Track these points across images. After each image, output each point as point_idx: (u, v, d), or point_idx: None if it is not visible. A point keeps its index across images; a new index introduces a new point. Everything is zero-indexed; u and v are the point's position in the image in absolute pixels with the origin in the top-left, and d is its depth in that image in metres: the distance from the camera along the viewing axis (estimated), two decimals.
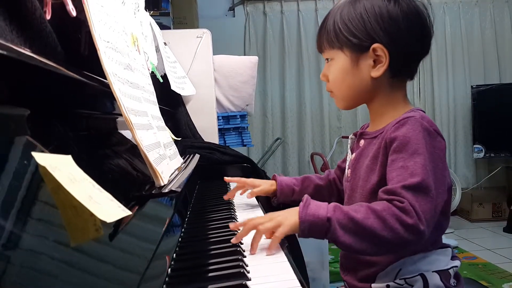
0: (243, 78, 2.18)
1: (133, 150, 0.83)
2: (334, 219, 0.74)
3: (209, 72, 2.02)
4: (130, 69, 0.77)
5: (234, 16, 3.96)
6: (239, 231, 0.79)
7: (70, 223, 0.39)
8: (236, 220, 0.96)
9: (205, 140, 1.87)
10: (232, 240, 0.76)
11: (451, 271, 0.85)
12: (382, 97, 0.90)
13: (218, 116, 2.08)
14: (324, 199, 0.81)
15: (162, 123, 1.02)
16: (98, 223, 0.40)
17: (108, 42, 0.66)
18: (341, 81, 0.90)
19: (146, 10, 1.24)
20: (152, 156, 0.73)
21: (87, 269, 0.42)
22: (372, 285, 0.86)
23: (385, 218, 0.72)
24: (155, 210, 0.72)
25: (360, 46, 0.85)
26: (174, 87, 1.58)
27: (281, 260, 0.72)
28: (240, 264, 0.65)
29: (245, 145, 2.30)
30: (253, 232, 0.77)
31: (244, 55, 3.72)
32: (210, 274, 0.64)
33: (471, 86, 3.80)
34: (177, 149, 1.12)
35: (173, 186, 0.76)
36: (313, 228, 0.75)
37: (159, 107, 1.02)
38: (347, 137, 1.02)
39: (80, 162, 0.44)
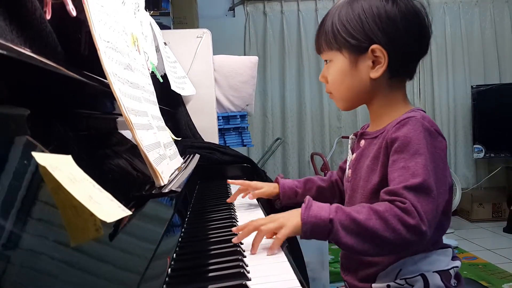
0: (243, 78, 2.18)
1: (133, 150, 0.83)
2: (336, 220, 0.74)
3: (209, 72, 2.02)
4: (130, 69, 0.77)
5: (234, 16, 3.96)
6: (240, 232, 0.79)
7: (70, 223, 0.39)
8: (236, 220, 0.96)
9: (205, 140, 1.87)
10: (233, 240, 0.76)
11: (451, 271, 0.85)
12: (381, 97, 0.90)
13: (218, 116, 2.08)
14: (327, 201, 0.81)
15: (162, 123, 1.02)
16: (98, 223, 0.40)
17: (108, 42, 0.66)
18: (340, 83, 0.90)
19: (146, 10, 1.24)
20: (152, 156, 0.73)
21: (87, 269, 0.42)
22: (373, 285, 0.86)
23: (387, 219, 0.72)
24: (155, 210, 0.72)
25: (359, 47, 0.85)
26: (174, 87, 1.58)
27: (281, 260, 0.72)
28: (240, 264, 0.65)
29: (245, 145, 2.30)
30: (253, 233, 0.77)
31: (244, 55, 3.72)
32: (210, 274, 0.64)
33: (471, 86, 3.79)
34: (177, 149, 1.12)
35: (173, 186, 0.76)
36: (315, 229, 0.75)
37: (159, 107, 1.02)
38: (347, 137, 1.02)
39: (80, 162, 0.44)
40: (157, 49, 1.46)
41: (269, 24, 3.90)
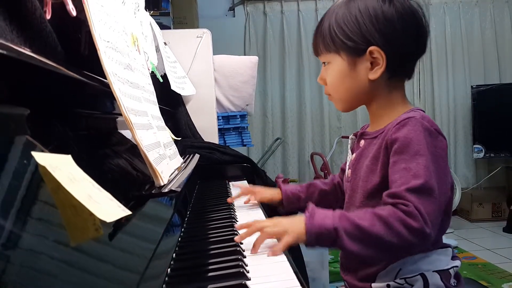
0: (243, 78, 2.18)
1: (133, 150, 0.83)
2: (341, 228, 0.73)
3: (209, 72, 2.02)
4: (130, 69, 0.77)
5: (234, 16, 3.95)
6: (242, 231, 0.79)
7: (70, 222, 0.39)
8: (236, 220, 0.96)
9: (205, 140, 1.87)
10: (235, 239, 0.76)
11: (451, 271, 0.85)
12: (380, 98, 0.90)
13: (218, 116, 2.08)
14: (330, 204, 0.82)
15: (162, 123, 1.02)
16: (97, 223, 0.40)
17: (108, 42, 0.66)
18: (339, 85, 0.90)
19: (146, 10, 1.24)
20: (152, 156, 0.73)
21: (86, 268, 0.42)
22: (373, 284, 0.86)
23: (391, 224, 0.73)
24: (155, 209, 0.72)
25: (357, 49, 0.85)
26: (174, 87, 1.58)
27: (281, 260, 0.72)
28: (240, 264, 0.65)
29: (245, 145, 2.30)
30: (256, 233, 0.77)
31: (244, 55, 3.72)
32: (210, 274, 0.64)
33: (471, 86, 3.79)
34: (177, 149, 1.12)
35: (173, 186, 0.76)
36: (319, 238, 0.75)
37: (159, 107, 1.02)
38: (347, 137, 1.02)
39: (80, 161, 0.44)
40: (157, 49, 1.46)
41: (269, 24, 3.90)
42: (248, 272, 0.64)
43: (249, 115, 2.34)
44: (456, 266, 0.86)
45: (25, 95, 0.49)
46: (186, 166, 1.09)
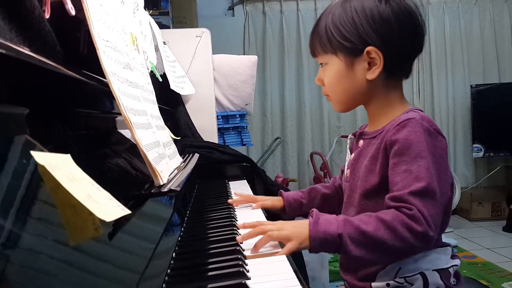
0: (242, 77, 2.18)
1: (132, 149, 0.83)
2: (345, 235, 0.74)
3: (209, 71, 2.02)
4: (129, 68, 0.77)
5: (233, 16, 3.95)
6: (245, 231, 0.79)
7: (69, 222, 0.39)
8: (236, 220, 0.96)
9: (204, 139, 1.86)
10: (237, 238, 0.76)
11: (451, 270, 0.85)
12: (378, 98, 0.90)
13: (217, 116, 2.08)
14: (333, 208, 0.82)
15: (161, 122, 1.02)
16: (97, 222, 0.40)
17: (107, 41, 0.66)
18: (337, 85, 0.90)
19: (145, 9, 1.24)
20: (151, 155, 0.73)
21: (86, 268, 0.42)
22: (372, 284, 0.86)
23: (395, 228, 0.73)
24: (155, 209, 0.72)
25: (354, 49, 0.85)
26: (173, 86, 1.58)
27: (281, 259, 0.72)
28: (240, 263, 0.65)
29: (244, 145, 2.29)
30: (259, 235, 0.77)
31: (244, 54, 3.71)
32: (210, 273, 0.64)
33: (471, 86, 3.79)
34: (176, 149, 1.12)
35: (173, 185, 0.76)
36: (324, 244, 0.75)
37: (159, 106, 1.02)
38: (347, 137, 1.02)
39: (79, 161, 0.44)
40: (156, 49, 1.46)
41: (268, 23, 3.90)
42: (248, 271, 0.64)
43: (249, 114, 2.34)
44: (456, 265, 0.86)
45: (24, 95, 0.48)
46: (185, 166, 1.08)
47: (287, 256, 0.72)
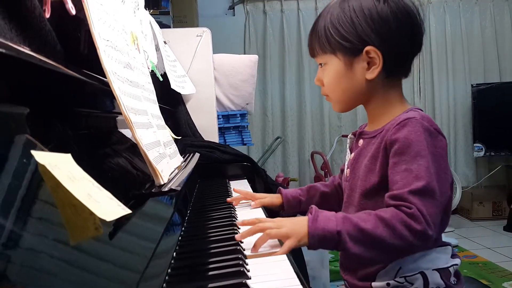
0: (243, 76, 2.18)
1: (133, 148, 0.83)
2: (344, 232, 0.74)
3: (209, 71, 2.02)
4: (129, 67, 0.77)
5: (234, 15, 3.95)
6: (244, 228, 0.79)
7: (70, 221, 0.39)
8: (236, 219, 0.96)
9: (205, 139, 1.87)
10: (236, 236, 0.76)
11: (451, 269, 0.85)
12: (378, 97, 0.90)
13: (218, 115, 2.08)
14: (332, 206, 0.82)
15: (162, 121, 1.02)
16: (97, 222, 0.40)
17: (107, 40, 0.66)
18: (336, 85, 0.90)
19: (145, 9, 1.24)
20: (152, 154, 0.73)
21: (86, 267, 0.42)
22: (372, 283, 0.86)
23: (394, 227, 0.73)
24: (155, 208, 0.72)
25: (353, 49, 0.85)
26: (174, 86, 1.58)
27: (281, 258, 0.72)
28: (240, 262, 0.65)
29: (245, 144, 2.30)
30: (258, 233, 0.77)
31: (244, 54, 3.71)
32: (210, 273, 0.64)
33: (471, 85, 3.79)
34: (177, 148, 1.12)
35: (173, 185, 0.76)
36: (322, 241, 0.75)
37: (159, 105, 1.02)
38: (347, 136, 1.02)
39: (80, 160, 0.44)
40: (157, 48, 1.46)
41: (269, 23, 3.90)
42: (248, 271, 0.64)
43: (249, 114, 2.34)
44: (456, 264, 0.86)
45: (24, 94, 0.48)
46: (186, 165, 1.08)
47: (287, 256, 0.72)
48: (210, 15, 3.70)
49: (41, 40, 0.55)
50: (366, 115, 0.95)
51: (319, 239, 0.75)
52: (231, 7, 3.94)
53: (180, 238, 0.80)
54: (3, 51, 0.40)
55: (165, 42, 1.65)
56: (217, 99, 2.11)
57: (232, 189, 1.32)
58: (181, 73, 1.83)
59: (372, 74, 0.85)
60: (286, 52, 3.87)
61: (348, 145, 0.99)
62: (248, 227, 0.79)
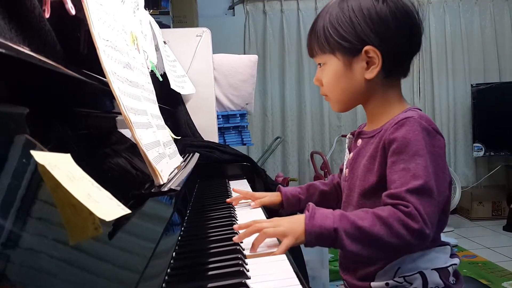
0: (242, 77, 2.18)
1: (133, 148, 0.83)
2: (341, 229, 0.74)
3: (209, 71, 2.02)
4: (129, 67, 0.77)
5: (234, 15, 3.95)
6: (241, 231, 0.79)
7: (69, 221, 0.39)
8: (236, 219, 0.96)
9: (204, 139, 1.87)
10: (234, 239, 0.76)
11: (450, 269, 0.85)
12: (377, 97, 0.90)
13: (217, 115, 2.08)
14: (331, 205, 0.82)
15: (161, 122, 1.02)
16: (97, 222, 0.40)
17: (107, 40, 0.66)
18: (335, 85, 0.90)
19: (145, 9, 1.24)
20: (151, 154, 0.73)
21: (86, 267, 0.42)
22: (372, 283, 0.86)
23: (391, 225, 0.73)
24: (155, 208, 0.72)
25: (352, 49, 0.85)
26: (173, 86, 1.58)
27: (281, 258, 0.72)
28: (240, 262, 0.65)
29: (245, 144, 2.30)
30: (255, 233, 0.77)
31: (244, 54, 3.71)
32: (210, 273, 0.64)
33: (471, 85, 3.79)
34: (176, 148, 1.12)
35: (173, 185, 0.76)
36: (319, 238, 0.75)
37: (159, 106, 1.02)
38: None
39: (79, 160, 0.44)
40: (157, 48, 1.46)
41: (268, 23, 3.90)
42: (248, 270, 0.64)
43: (249, 114, 2.34)
44: (455, 264, 0.87)
45: (24, 94, 0.49)
46: (185, 165, 1.08)
47: (287, 255, 0.72)
48: (210, 15, 3.70)
49: (40, 40, 0.55)
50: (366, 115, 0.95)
51: (316, 236, 0.75)
52: (231, 7, 3.94)
53: (179, 238, 0.80)
54: (3, 51, 0.40)
55: (164, 42, 1.65)
56: (217, 99, 2.11)
57: (231, 189, 1.32)
58: (181, 73, 1.83)
59: (371, 73, 0.85)
60: (286, 52, 3.87)
61: (347, 145, 0.99)
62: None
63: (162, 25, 2.40)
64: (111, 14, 0.73)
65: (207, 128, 1.98)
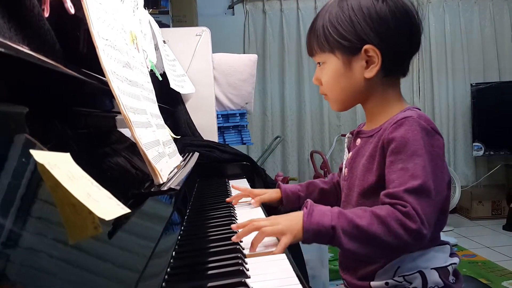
0: (242, 76, 2.18)
1: (132, 148, 0.83)
2: (339, 227, 0.74)
3: (209, 70, 2.02)
4: (129, 67, 0.77)
5: (233, 15, 3.95)
6: (240, 230, 0.79)
7: (69, 220, 0.39)
8: (236, 218, 0.96)
9: (204, 138, 1.87)
10: (232, 238, 0.76)
11: (449, 268, 0.85)
12: (376, 96, 0.90)
13: (217, 114, 2.08)
14: (330, 203, 0.82)
15: (161, 121, 1.02)
16: (96, 221, 0.40)
17: (106, 40, 0.66)
18: (335, 84, 0.90)
19: (145, 8, 1.24)
20: (151, 154, 0.73)
21: (85, 267, 0.42)
22: (371, 283, 0.87)
23: (389, 224, 0.73)
24: (154, 208, 0.72)
25: (352, 48, 0.85)
26: (173, 85, 1.58)
27: (281, 257, 0.72)
28: (240, 261, 0.65)
29: (244, 143, 2.30)
30: (253, 232, 0.77)
31: (244, 53, 3.71)
32: (210, 272, 0.64)
33: (471, 84, 3.79)
34: (176, 147, 1.12)
35: (172, 184, 0.76)
36: (317, 236, 0.75)
37: (158, 105, 1.02)
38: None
39: (79, 160, 0.44)
40: (156, 47, 1.46)
41: (268, 22, 3.90)
42: (247, 270, 0.64)
43: (249, 113, 2.34)
44: (455, 263, 0.87)
45: (23, 93, 0.48)
46: (185, 165, 1.08)
47: (286, 255, 0.72)
48: (210, 15, 3.70)
49: (40, 39, 0.55)
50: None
51: (313, 233, 0.75)
52: (231, 7, 3.94)
53: (179, 237, 0.80)
54: (2, 50, 0.40)
55: (164, 42, 1.65)
56: (217, 99, 2.11)
57: (231, 189, 1.32)
58: (181, 73, 1.83)
59: (371, 73, 0.85)
60: (285, 52, 3.87)
61: (346, 144, 0.99)
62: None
63: (161, 25, 2.40)
64: (111, 13, 0.73)
65: (207, 127, 1.98)
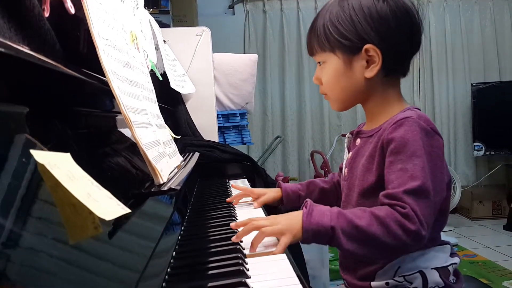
0: (242, 76, 2.18)
1: (132, 148, 0.83)
2: (338, 228, 0.74)
3: (209, 70, 2.02)
4: (129, 67, 0.77)
5: (233, 14, 3.95)
6: (239, 230, 0.79)
7: (69, 221, 0.39)
8: (236, 218, 0.96)
9: (205, 138, 1.86)
10: (232, 239, 0.76)
11: (450, 268, 0.85)
12: (376, 96, 0.90)
13: (217, 114, 2.08)
14: (330, 202, 0.82)
15: (161, 121, 1.02)
16: (97, 221, 0.40)
17: (107, 39, 0.66)
18: (335, 84, 0.90)
19: (145, 8, 1.24)
20: (151, 154, 0.73)
21: (85, 267, 0.42)
22: (372, 283, 0.86)
23: (388, 225, 0.73)
24: (155, 208, 0.72)
25: (352, 47, 0.85)
26: (173, 85, 1.57)
27: (281, 257, 0.71)
28: (240, 262, 0.65)
29: (245, 143, 2.30)
30: (253, 231, 0.77)
31: (244, 53, 3.71)
32: (210, 272, 0.64)
33: (471, 84, 3.79)
34: (176, 147, 1.12)
35: (173, 184, 0.76)
36: (316, 236, 0.75)
37: (159, 105, 1.02)
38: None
39: (79, 160, 0.44)
40: (157, 47, 1.46)
41: (268, 22, 3.90)
42: (248, 270, 0.64)
43: (249, 113, 2.34)
44: (455, 263, 0.87)
45: (23, 93, 0.48)
46: (186, 165, 1.08)
47: (287, 255, 0.72)
48: (210, 14, 3.70)
49: (40, 39, 0.55)
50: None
51: (313, 233, 0.75)
52: (231, 6, 3.94)
53: (179, 237, 0.80)
54: (2, 50, 0.40)
55: (164, 41, 1.65)
56: (217, 98, 2.11)
57: (231, 188, 1.32)
58: (181, 72, 1.83)
59: (371, 72, 0.85)
60: (286, 52, 3.87)
61: (346, 144, 0.99)
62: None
63: (162, 24, 2.40)
64: (111, 13, 0.73)
65: (207, 127, 1.98)
